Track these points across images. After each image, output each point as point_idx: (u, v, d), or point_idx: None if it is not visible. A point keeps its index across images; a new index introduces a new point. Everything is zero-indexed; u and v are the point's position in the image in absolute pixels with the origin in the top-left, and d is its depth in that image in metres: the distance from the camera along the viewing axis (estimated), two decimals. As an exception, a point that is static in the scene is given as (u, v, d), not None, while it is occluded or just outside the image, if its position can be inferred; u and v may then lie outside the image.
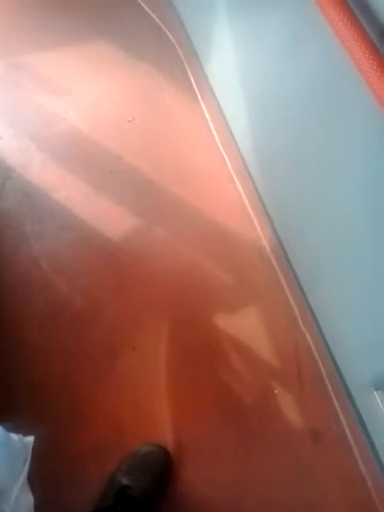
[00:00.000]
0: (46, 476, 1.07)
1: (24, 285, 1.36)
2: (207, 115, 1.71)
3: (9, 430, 0.81)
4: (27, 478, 0.80)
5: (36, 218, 1.46)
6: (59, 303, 1.34)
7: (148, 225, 1.48)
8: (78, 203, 1.49)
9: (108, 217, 1.48)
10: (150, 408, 1.23)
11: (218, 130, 1.67)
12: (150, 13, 1.93)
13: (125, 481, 1.09)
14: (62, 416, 1.20)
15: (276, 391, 1.27)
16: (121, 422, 1.21)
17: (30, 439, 0.84)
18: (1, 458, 0.75)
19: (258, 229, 1.50)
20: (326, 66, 0.95)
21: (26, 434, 0.86)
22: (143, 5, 1.94)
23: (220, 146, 1.64)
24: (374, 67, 0.71)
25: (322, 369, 1.27)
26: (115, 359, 1.28)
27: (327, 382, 1.26)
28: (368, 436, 1.11)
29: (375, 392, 0.97)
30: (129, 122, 1.66)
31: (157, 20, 1.92)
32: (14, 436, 0.81)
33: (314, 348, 1.30)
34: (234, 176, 1.59)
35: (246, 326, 1.35)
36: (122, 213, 1.49)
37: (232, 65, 1.41)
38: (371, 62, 0.72)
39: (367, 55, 0.73)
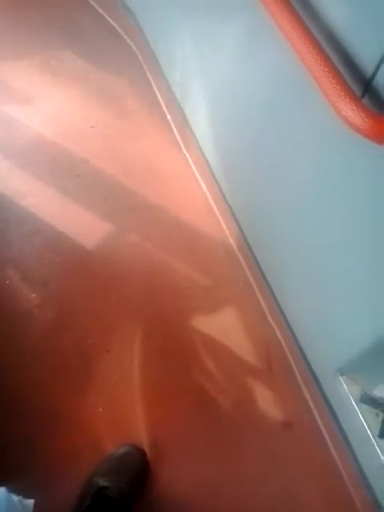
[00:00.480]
0: (21, 483, 1.07)
1: (-8, 294, 1.35)
2: (169, 118, 1.74)
3: (10, 491, 0.80)
4: None
5: (3, 225, 1.46)
6: (29, 311, 1.33)
7: (116, 227, 1.49)
8: (46, 209, 1.49)
9: (76, 221, 1.48)
10: (125, 410, 1.24)
11: (180, 133, 1.69)
12: (109, 20, 1.96)
13: (102, 482, 1.09)
14: (37, 423, 1.20)
15: (249, 385, 1.29)
16: (96, 426, 1.21)
17: (30, 502, 0.83)
18: None
19: (225, 228, 1.53)
20: (280, 70, 0.99)
21: (25, 496, 0.85)
22: (102, 12, 1.97)
23: (183, 148, 1.67)
24: (325, 72, 0.75)
25: (290, 360, 1.31)
26: (89, 363, 1.28)
27: (296, 372, 1.29)
28: (337, 421, 1.15)
29: (340, 377, 1.01)
30: (92, 127, 1.67)
31: (116, 27, 1.94)
32: (15, 497, 0.81)
33: (282, 340, 1.34)
34: (199, 177, 1.61)
35: (216, 323, 1.38)
36: (90, 216, 1.49)
37: (191, 68, 1.44)
38: (319, 63, 0.75)
39: (316, 58, 0.77)
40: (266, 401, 1.27)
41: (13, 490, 0.84)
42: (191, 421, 1.25)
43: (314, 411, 1.24)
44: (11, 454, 1.15)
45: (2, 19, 1.93)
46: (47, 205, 1.50)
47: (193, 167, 1.63)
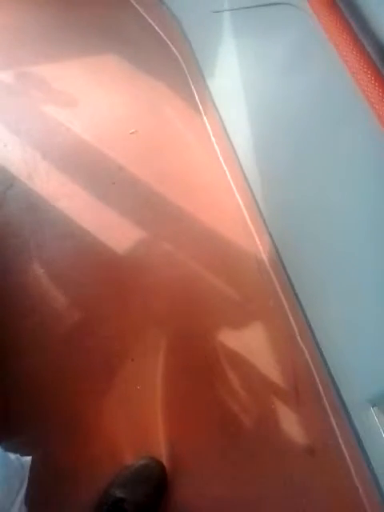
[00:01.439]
0: (39, 493, 1.06)
1: (22, 295, 1.35)
2: (209, 128, 1.73)
3: (6, 449, 0.80)
4: (24, 497, 0.78)
5: (37, 226, 1.47)
6: (57, 314, 1.34)
7: (149, 236, 1.49)
8: (80, 213, 1.50)
9: (109, 227, 1.48)
10: (146, 421, 1.22)
11: (219, 144, 1.68)
12: (156, 27, 1.97)
13: (119, 494, 1.08)
14: (57, 428, 1.19)
15: (273, 406, 1.26)
16: (116, 435, 1.20)
17: (28, 459, 0.83)
18: None
19: (258, 243, 1.50)
20: (328, 84, 0.97)
21: (22, 452, 0.85)
22: (149, 19, 1.98)
23: (221, 160, 1.66)
24: (376, 88, 0.73)
25: (319, 385, 1.27)
26: (113, 370, 1.27)
27: (324, 397, 1.26)
28: (364, 453, 1.11)
29: (372, 408, 0.98)
30: (131, 133, 1.68)
31: (162, 34, 1.95)
32: (12, 455, 0.80)
33: (311, 364, 1.30)
34: (235, 189, 1.60)
35: (244, 341, 1.35)
36: (123, 223, 1.49)
37: (234, 79, 1.43)
38: (373, 81, 0.73)
39: (369, 75, 0.74)
40: (291, 424, 1.24)
41: (9, 448, 0.83)
42: (212, 438, 1.23)
43: (340, 440, 1.20)
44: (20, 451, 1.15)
45: (49, 20, 1.96)
46: (82, 209, 1.51)
47: (230, 180, 1.62)
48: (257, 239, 1.51)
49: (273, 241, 1.42)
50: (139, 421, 1.22)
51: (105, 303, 1.37)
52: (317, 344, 1.25)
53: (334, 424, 1.22)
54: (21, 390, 1.22)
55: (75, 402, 1.23)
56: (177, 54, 1.90)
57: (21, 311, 1.33)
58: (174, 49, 1.91)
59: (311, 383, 1.29)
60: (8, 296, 1.35)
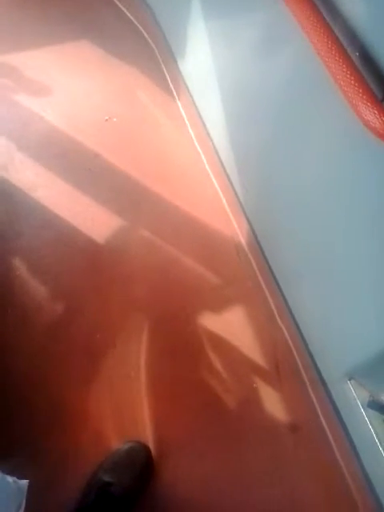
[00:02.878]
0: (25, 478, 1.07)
1: (1, 288, 1.35)
2: (183, 113, 1.73)
3: (4, 471, 0.80)
4: None
5: (14, 217, 1.46)
6: (38, 304, 1.33)
7: (127, 222, 1.49)
8: (57, 202, 1.49)
9: (87, 215, 1.48)
10: (131, 406, 1.23)
11: (194, 128, 1.68)
12: (127, 13, 1.94)
13: (106, 478, 1.09)
14: (42, 417, 1.20)
15: (255, 385, 1.29)
16: (102, 421, 1.21)
17: (25, 483, 0.82)
18: None
19: (236, 226, 1.52)
20: (298, 66, 0.97)
21: (20, 477, 0.84)
22: (120, 5, 1.95)
23: (196, 144, 1.66)
24: (344, 70, 0.73)
25: (298, 362, 1.30)
26: (96, 358, 1.28)
27: (304, 374, 1.28)
28: (344, 425, 1.14)
29: (349, 382, 1.00)
30: (106, 120, 1.67)
31: (133, 20, 1.93)
32: (9, 478, 0.80)
33: (290, 342, 1.33)
34: (211, 173, 1.60)
35: (224, 322, 1.37)
36: (101, 211, 1.49)
37: (207, 64, 1.43)
38: (340, 64, 0.74)
39: (337, 58, 0.75)
40: (273, 402, 1.27)
41: (6, 471, 0.83)
42: (197, 419, 1.25)
43: (321, 414, 1.23)
44: (16, 448, 1.15)
45: (20, 10, 1.92)
46: (59, 198, 1.50)
47: (205, 164, 1.62)
48: (234, 222, 1.52)
49: (250, 223, 1.43)
50: (124, 406, 1.23)
51: (85, 291, 1.37)
52: (295, 322, 1.27)
53: (315, 399, 1.25)
54: (5, 384, 1.22)
55: (60, 392, 1.23)
56: (149, 39, 1.88)
57: (0, 305, 1.32)
58: (146, 34, 1.89)
59: (291, 361, 1.31)
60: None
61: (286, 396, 1.28)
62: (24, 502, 0.80)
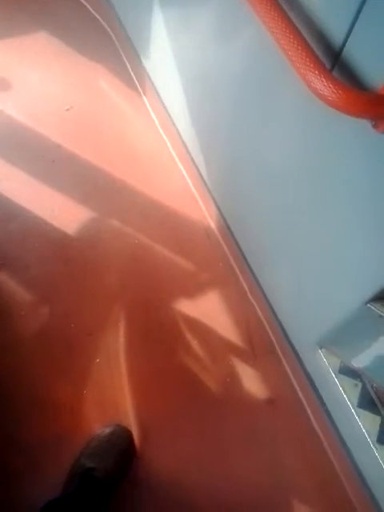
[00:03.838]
0: (5, 470, 1.07)
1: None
2: (146, 100, 1.73)
3: None
4: None
5: (-22, 212, 1.44)
6: (8, 298, 1.32)
7: (94, 212, 1.48)
8: (21, 194, 1.47)
9: (53, 205, 1.47)
10: (110, 391, 1.24)
11: (157, 114, 1.68)
12: (84, 2, 1.92)
13: (88, 463, 1.10)
14: (21, 408, 1.20)
15: (231, 363, 1.31)
16: (82, 408, 1.22)
17: None
18: None
19: (203, 209, 1.53)
20: (252, 45, 0.99)
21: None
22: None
23: (160, 130, 1.67)
24: (292, 42, 0.75)
25: (272, 337, 1.33)
26: (71, 347, 1.28)
27: (278, 348, 1.32)
28: (318, 394, 1.17)
29: (319, 350, 1.03)
30: (67, 110, 1.65)
31: (91, 9, 1.91)
32: None
33: (263, 318, 1.36)
34: (176, 158, 1.61)
35: (198, 305, 1.39)
36: (67, 201, 1.48)
37: (167, 49, 1.43)
38: (288, 35, 0.75)
39: (284, 30, 0.76)
40: (249, 378, 1.30)
41: None
42: (176, 399, 1.26)
43: (296, 386, 1.27)
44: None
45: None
46: (23, 190, 1.48)
47: (171, 149, 1.63)
48: (203, 206, 1.54)
49: (218, 206, 1.45)
50: (103, 392, 1.24)
51: (56, 282, 1.36)
52: (266, 299, 1.30)
53: (289, 371, 1.28)
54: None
55: (39, 382, 1.23)
56: (107, 27, 1.87)
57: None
58: (103, 22, 1.88)
59: (264, 336, 1.34)
60: None
61: (261, 371, 1.31)
62: None
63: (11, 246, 1.39)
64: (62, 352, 1.27)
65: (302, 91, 0.73)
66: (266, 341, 1.34)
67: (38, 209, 1.45)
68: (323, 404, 1.17)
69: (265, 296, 1.31)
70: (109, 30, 1.87)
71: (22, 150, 1.55)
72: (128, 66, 1.79)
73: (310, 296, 1.07)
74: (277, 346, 1.32)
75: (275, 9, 0.77)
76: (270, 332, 1.34)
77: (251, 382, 1.29)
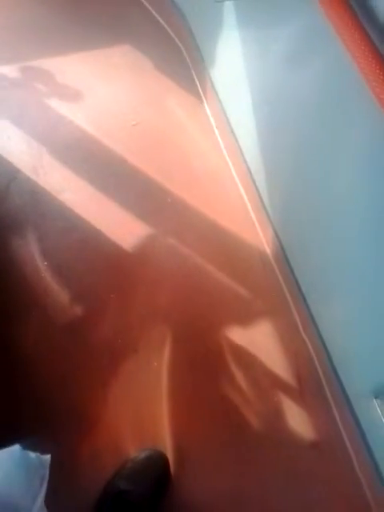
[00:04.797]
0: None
1: (25, 289, 1.35)
2: (212, 119, 1.72)
3: (25, 447, 0.80)
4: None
5: (40, 219, 1.47)
6: (60, 307, 1.34)
7: (151, 228, 1.48)
8: (83, 205, 1.50)
9: (112, 219, 1.48)
10: (150, 413, 1.23)
11: (222, 135, 1.67)
12: (159, 18, 1.95)
13: (123, 486, 1.09)
14: (61, 419, 1.20)
15: (276, 399, 1.27)
16: (120, 427, 1.21)
17: (47, 458, 0.82)
18: (20, 477, 0.73)
19: (261, 235, 1.50)
20: (332, 73, 0.96)
21: (37, 449, 0.84)
22: (152, 10, 1.96)
23: (224, 151, 1.65)
24: (381, 77, 0.72)
25: (322, 377, 1.28)
26: (116, 362, 1.28)
27: (327, 390, 1.26)
28: (367, 445, 1.11)
29: (375, 400, 0.98)
30: (134, 125, 1.67)
31: (165, 25, 1.94)
32: (32, 454, 0.80)
33: (314, 356, 1.30)
34: (237, 180, 1.59)
35: (247, 333, 1.35)
36: (126, 216, 1.49)
37: (237, 70, 1.42)
38: (377, 71, 0.72)
39: (373, 65, 0.73)
40: (294, 416, 1.25)
41: (27, 446, 0.83)
42: (216, 430, 1.23)
43: (343, 433, 1.21)
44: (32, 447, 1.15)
45: (54, 15, 1.94)
46: (85, 201, 1.51)
47: (233, 171, 1.61)
48: (260, 232, 1.51)
49: (276, 233, 1.42)
50: (143, 413, 1.23)
51: (108, 296, 1.37)
52: (320, 336, 1.25)
53: (337, 416, 1.22)
54: (27, 386, 1.23)
55: (80, 395, 1.23)
56: (179, 44, 1.88)
57: (25, 305, 1.33)
58: (176, 39, 1.89)
59: (314, 375, 1.29)
60: (11, 290, 1.35)
61: (307, 411, 1.25)
62: (47, 474, 0.79)
63: (68, 256, 1.41)
64: (106, 366, 1.27)
65: (380, 121, 0.70)
66: (315, 379, 1.28)
67: (98, 221, 1.46)
68: (372, 456, 1.10)
69: (318, 332, 1.26)
70: (181, 46, 1.88)
71: (87, 162, 1.58)
72: (197, 85, 1.80)
73: (370, 338, 1.01)
74: (326, 387, 1.26)
75: (365, 41, 0.74)
76: (320, 371, 1.28)
77: (296, 421, 1.24)
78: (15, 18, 1.91)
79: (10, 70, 1.76)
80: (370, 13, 0.77)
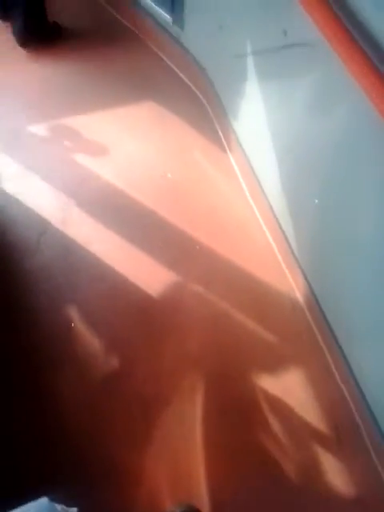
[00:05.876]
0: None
1: (57, 340, 1.37)
2: (236, 169, 1.76)
3: (53, 499, 0.79)
4: None
5: (70, 270, 1.50)
6: (93, 357, 1.34)
7: (180, 277, 1.50)
8: (112, 256, 1.53)
9: (141, 269, 1.51)
10: (185, 465, 1.20)
11: (247, 183, 1.71)
12: (182, 75, 2.05)
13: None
14: (95, 471, 1.18)
15: (313, 449, 1.22)
16: (154, 480, 1.18)
17: (74, 510, 0.81)
18: None
19: (290, 280, 1.49)
20: (353, 121, 0.98)
21: (67, 503, 0.83)
22: (176, 69, 2.07)
23: (250, 199, 1.68)
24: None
25: (360, 424, 1.23)
26: (149, 413, 1.26)
27: (366, 438, 1.21)
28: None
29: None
30: (162, 177, 1.73)
31: (187, 81, 2.03)
32: (58, 507, 0.79)
33: (350, 402, 1.26)
34: (264, 227, 1.61)
35: (279, 381, 1.33)
36: (155, 265, 1.51)
37: (259, 120, 1.47)
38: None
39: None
40: (332, 468, 1.19)
41: (54, 498, 0.81)
42: (251, 481, 1.19)
43: (385, 482, 1.15)
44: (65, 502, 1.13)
45: (82, 75, 2.06)
46: (114, 252, 1.54)
47: (259, 218, 1.63)
48: (289, 276, 1.50)
49: (306, 278, 1.41)
50: (178, 466, 1.20)
51: (138, 345, 1.37)
52: (356, 383, 1.21)
53: (379, 468, 1.16)
54: (61, 438, 1.22)
55: (113, 448, 1.22)
56: (202, 98, 1.96)
57: (57, 357, 1.34)
58: (199, 93, 1.98)
59: (351, 422, 1.25)
60: (43, 341, 1.36)
61: (346, 462, 1.20)
62: None
63: (98, 305, 1.43)
64: (140, 418, 1.25)
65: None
66: (353, 428, 1.24)
67: (127, 271, 1.49)
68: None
69: (354, 377, 1.22)
70: (203, 100, 1.96)
71: (116, 214, 1.63)
72: (221, 137, 1.86)
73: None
74: (365, 436, 1.21)
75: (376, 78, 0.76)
76: (358, 418, 1.23)
77: (335, 473, 1.19)
78: (50, 84, 2.03)
79: (40, 129, 1.86)
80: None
